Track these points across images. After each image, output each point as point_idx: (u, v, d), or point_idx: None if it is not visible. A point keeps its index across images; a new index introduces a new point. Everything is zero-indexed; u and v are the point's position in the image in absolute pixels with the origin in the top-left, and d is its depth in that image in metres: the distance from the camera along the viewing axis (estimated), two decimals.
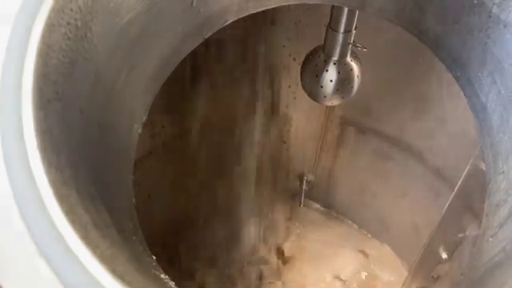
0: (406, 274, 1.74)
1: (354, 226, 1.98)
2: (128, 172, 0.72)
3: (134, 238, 0.63)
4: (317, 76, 1.12)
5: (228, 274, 1.77)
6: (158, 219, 1.74)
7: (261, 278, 1.75)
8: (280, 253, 1.84)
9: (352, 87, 1.12)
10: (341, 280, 1.77)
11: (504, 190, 0.65)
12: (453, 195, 1.40)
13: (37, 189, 0.43)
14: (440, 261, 1.53)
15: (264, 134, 1.74)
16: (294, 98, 1.71)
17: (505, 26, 0.62)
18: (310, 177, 1.93)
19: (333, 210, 2.00)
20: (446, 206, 1.43)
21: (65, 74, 0.54)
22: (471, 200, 1.36)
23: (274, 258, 1.84)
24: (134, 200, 0.71)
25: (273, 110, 1.73)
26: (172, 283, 0.65)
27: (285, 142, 1.85)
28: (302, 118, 1.77)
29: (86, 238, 0.43)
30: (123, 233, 0.57)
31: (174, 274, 1.71)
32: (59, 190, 0.44)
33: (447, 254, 1.51)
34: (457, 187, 1.38)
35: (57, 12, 0.52)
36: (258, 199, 1.83)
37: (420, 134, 1.56)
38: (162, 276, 0.63)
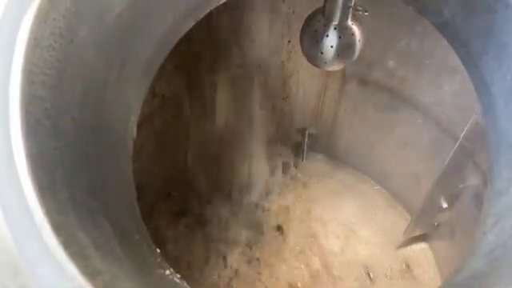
0: (408, 220, 1.78)
1: (357, 174, 2.00)
2: (127, 165, 0.72)
3: (137, 237, 0.64)
4: (317, 42, 1.08)
5: (232, 226, 1.81)
6: (163, 173, 1.76)
7: (266, 229, 1.79)
8: (285, 206, 1.87)
9: (353, 52, 1.08)
10: (348, 226, 1.81)
11: (506, 179, 0.65)
12: (455, 148, 1.40)
13: (34, 223, 0.43)
14: (440, 210, 1.56)
15: (265, 89, 1.72)
16: (295, 53, 1.66)
17: None
18: (312, 130, 1.92)
19: (335, 160, 2.01)
20: (449, 158, 1.43)
21: (52, 86, 0.52)
22: (473, 152, 1.36)
23: (280, 209, 1.87)
24: (135, 193, 0.71)
25: (273, 65, 1.69)
26: (177, 276, 0.67)
27: (286, 97, 1.83)
28: (302, 73, 1.74)
29: (86, 267, 0.43)
30: (125, 239, 0.58)
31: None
32: (56, 220, 0.44)
33: (448, 204, 1.53)
34: (459, 140, 1.37)
35: (38, 25, 0.49)
36: (261, 154, 1.84)
37: (423, 87, 1.53)
38: (167, 272, 0.65)
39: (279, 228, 1.81)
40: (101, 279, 0.43)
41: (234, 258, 1.66)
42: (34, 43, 0.48)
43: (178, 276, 0.67)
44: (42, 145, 0.48)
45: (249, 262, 1.66)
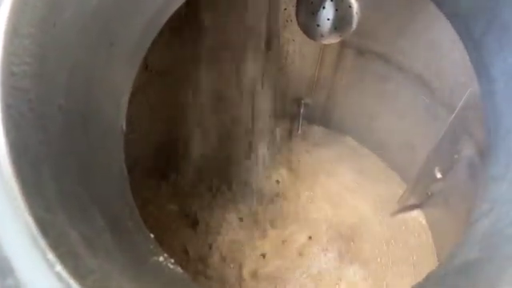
0: (403, 189, 1.79)
1: (353, 144, 2.00)
2: (118, 148, 0.70)
3: (130, 224, 0.63)
4: (313, 14, 1.04)
5: (228, 196, 1.81)
6: (157, 144, 1.75)
7: (262, 199, 1.80)
8: (279, 176, 1.87)
9: (350, 25, 1.04)
10: (342, 195, 1.82)
11: (504, 165, 0.64)
12: (451, 119, 1.39)
13: (20, 223, 0.42)
14: (435, 180, 1.57)
15: (260, 58, 1.68)
16: (291, 21, 1.62)
17: None
18: (308, 100, 1.90)
19: (331, 130, 2.00)
20: (444, 129, 1.42)
21: (35, 75, 0.50)
22: (469, 124, 1.36)
23: (274, 180, 1.87)
24: (127, 177, 0.70)
25: (268, 33, 1.65)
26: (171, 261, 0.67)
27: (282, 67, 1.79)
28: (298, 42, 1.69)
29: (76, 267, 0.43)
30: (118, 229, 0.57)
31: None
32: (43, 219, 0.43)
33: (442, 174, 1.54)
34: (455, 111, 1.36)
35: (17, 11, 0.46)
36: (256, 125, 1.82)
37: (421, 58, 1.50)
38: (161, 259, 0.64)
39: (272, 199, 1.81)
40: (92, 279, 0.43)
41: (230, 228, 1.67)
42: (13, 32, 0.46)
43: (172, 261, 0.67)
44: (26, 140, 0.46)
45: (241, 229, 1.68)
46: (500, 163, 0.65)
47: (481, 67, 0.69)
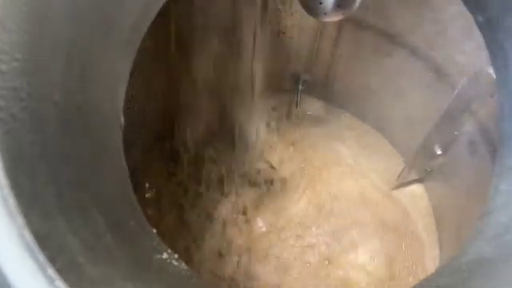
0: (403, 164, 1.78)
1: (354, 120, 1.98)
2: (117, 143, 0.67)
3: (133, 222, 0.60)
4: None
5: (227, 173, 1.80)
6: (155, 124, 1.72)
7: (262, 179, 1.78)
8: (278, 153, 1.85)
9: (354, 2, 1.00)
10: (344, 171, 1.81)
11: None
12: (453, 96, 1.37)
13: (16, 237, 0.39)
14: (434, 156, 1.57)
15: (256, 35, 1.63)
16: None
17: None
18: (307, 76, 1.86)
19: (330, 106, 1.97)
20: (446, 107, 1.41)
21: (27, 72, 0.46)
22: (471, 101, 1.34)
23: (275, 157, 1.85)
24: (127, 172, 0.67)
25: (265, 8, 1.59)
26: (175, 257, 0.65)
27: (280, 42, 1.74)
28: (297, 16, 1.65)
29: (77, 280, 0.40)
30: (119, 229, 0.55)
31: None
32: (41, 231, 0.40)
33: (441, 150, 1.54)
34: (458, 88, 1.34)
35: (3, 4, 0.42)
36: (254, 102, 1.79)
37: (423, 33, 1.46)
38: (165, 256, 0.62)
39: (276, 177, 1.80)
40: None
41: (228, 212, 1.66)
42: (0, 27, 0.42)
43: (176, 256, 0.65)
44: (20, 143, 0.43)
45: (243, 213, 1.66)
46: None
47: (496, 51, 0.65)
